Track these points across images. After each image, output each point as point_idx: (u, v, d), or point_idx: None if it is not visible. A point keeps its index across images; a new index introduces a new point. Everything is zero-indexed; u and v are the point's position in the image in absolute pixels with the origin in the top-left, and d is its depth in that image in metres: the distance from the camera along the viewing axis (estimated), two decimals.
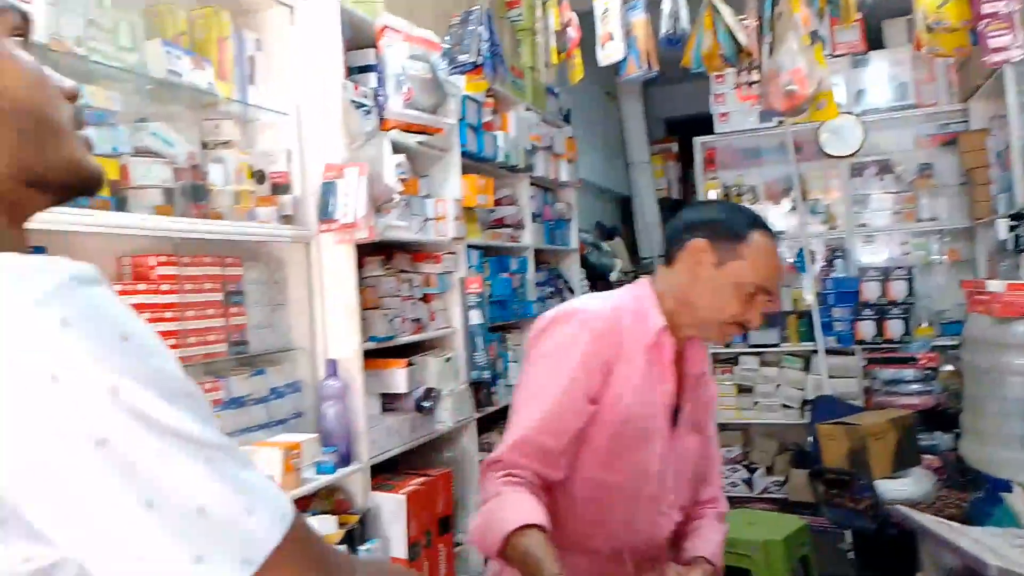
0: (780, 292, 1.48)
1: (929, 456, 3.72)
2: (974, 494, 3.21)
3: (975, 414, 2.33)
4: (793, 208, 4.94)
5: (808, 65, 2.28)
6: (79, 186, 0.65)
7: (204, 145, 2.21)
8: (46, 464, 0.48)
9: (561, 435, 1.35)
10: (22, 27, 0.63)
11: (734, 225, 1.41)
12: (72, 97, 0.66)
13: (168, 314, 1.85)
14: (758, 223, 1.42)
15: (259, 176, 2.29)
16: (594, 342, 1.37)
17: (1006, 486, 1.92)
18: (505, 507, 1.24)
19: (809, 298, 4.61)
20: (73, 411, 0.48)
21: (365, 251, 2.59)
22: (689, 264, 1.42)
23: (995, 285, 2.23)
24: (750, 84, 3.67)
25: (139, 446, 0.49)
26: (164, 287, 1.86)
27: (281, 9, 2.33)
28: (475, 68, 2.38)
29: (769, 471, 4.86)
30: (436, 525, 2.53)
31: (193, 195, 1.97)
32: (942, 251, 4.76)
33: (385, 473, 2.53)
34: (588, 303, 1.47)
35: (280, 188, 2.30)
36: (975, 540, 0.80)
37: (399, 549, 2.33)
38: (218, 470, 0.53)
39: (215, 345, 1.99)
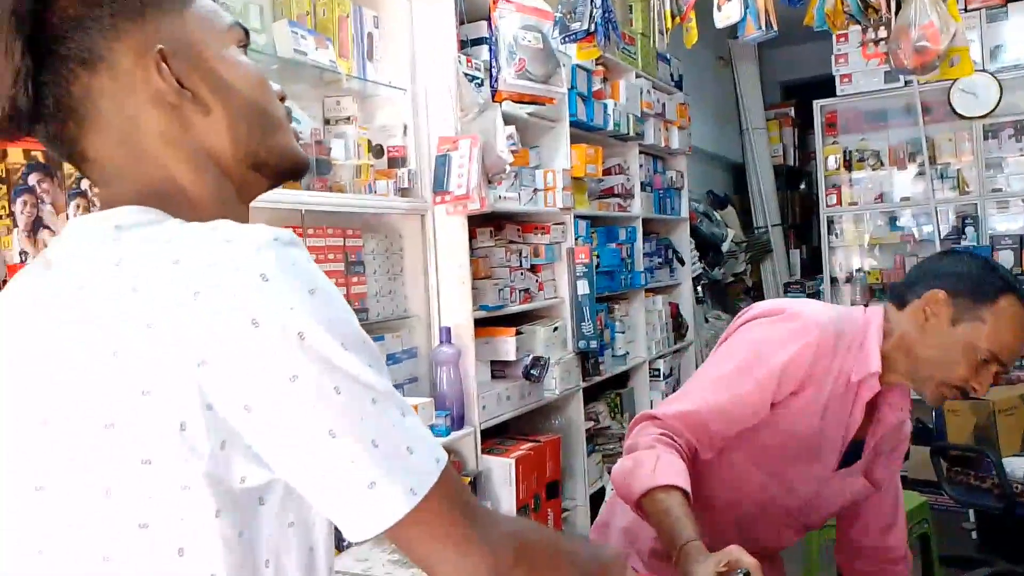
0: (1015, 362, 1.38)
1: None
2: None
3: None
4: (920, 173, 4.68)
5: (940, 19, 2.15)
6: (291, 171, 0.76)
7: (326, 121, 2.31)
8: (253, 394, 0.57)
9: (731, 425, 1.33)
10: (245, 39, 0.75)
11: (983, 284, 1.31)
12: (282, 98, 0.77)
13: None
14: (1013, 288, 1.31)
15: (377, 150, 2.37)
16: (804, 352, 1.32)
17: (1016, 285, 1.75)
18: (657, 462, 1.24)
19: None
20: (271, 351, 0.57)
21: (476, 222, 2.65)
22: (922, 314, 1.33)
23: None
24: (876, 42, 3.48)
25: (322, 383, 0.58)
26: None
27: None
28: (587, 36, 2.37)
29: None
30: (544, 490, 2.59)
31: (318, 169, 2.07)
32: None
33: (495, 438, 2.61)
34: (816, 309, 1.39)
35: (397, 162, 2.39)
36: None
37: (508, 512, 2.41)
38: (385, 411, 0.61)
39: None
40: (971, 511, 3.52)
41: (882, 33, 2.28)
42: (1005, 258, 4.31)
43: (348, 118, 2.32)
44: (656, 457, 1.24)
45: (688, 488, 1.22)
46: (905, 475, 4.43)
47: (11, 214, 1.37)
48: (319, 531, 0.66)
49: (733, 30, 2.26)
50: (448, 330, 2.36)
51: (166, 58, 0.67)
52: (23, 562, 0.62)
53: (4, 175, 1.37)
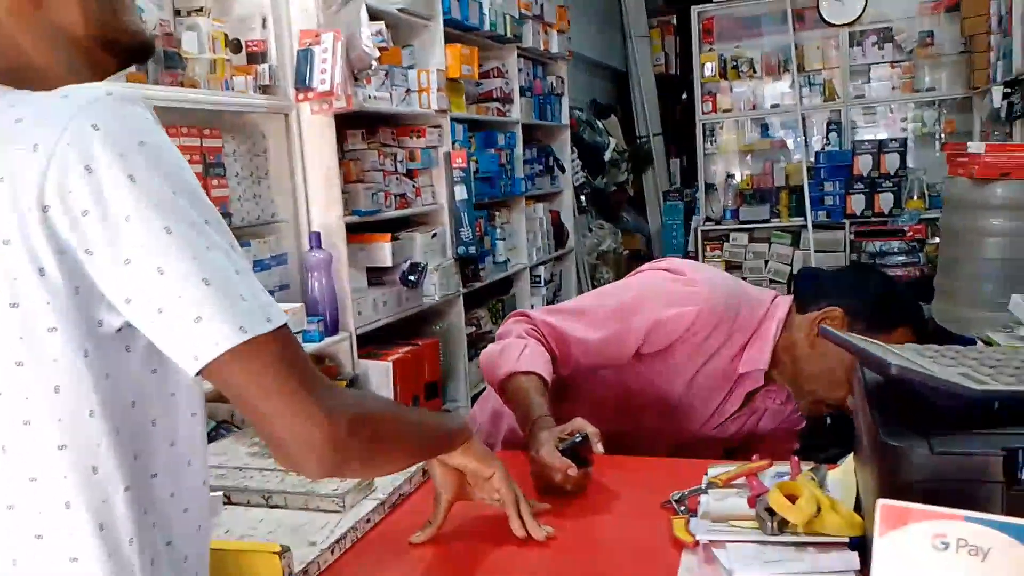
0: None
1: None
2: None
3: (949, 276, 2.37)
4: (791, 83, 4.84)
5: None
6: (139, 51, 0.76)
7: (177, 12, 2.16)
8: (91, 237, 0.60)
9: (590, 357, 1.34)
10: None
11: (883, 310, 1.29)
12: None
13: None
14: (911, 320, 1.29)
15: (235, 45, 2.24)
16: (683, 318, 1.30)
17: (972, 343, 1.98)
18: (523, 350, 1.27)
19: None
20: (104, 194, 0.59)
21: (346, 123, 2.57)
22: (815, 327, 1.30)
23: (974, 146, 2.22)
24: None
25: (151, 223, 0.60)
26: None
27: None
28: None
29: None
30: (423, 391, 2.63)
31: (166, 62, 1.94)
32: (939, 123, 4.69)
33: (375, 343, 2.61)
34: (716, 283, 1.36)
35: (256, 57, 2.26)
36: (886, 350, 0.86)
37: None
38: (221, 259, 0.63)
39: None
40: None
41: None
42: (864, 163, 4.56)
43: (200, 8, 2.17)
44: (523, 346, 1.28)
45: (548, 377, 1.26)
46: None
47: None
48: (182, 378, 0.68)
49: None
50: (318, 235, 2.31)
51: None
52: None
53: None
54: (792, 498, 0.85)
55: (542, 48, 3.93)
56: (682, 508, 1.00)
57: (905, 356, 0.81)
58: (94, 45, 0.72)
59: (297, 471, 0.68)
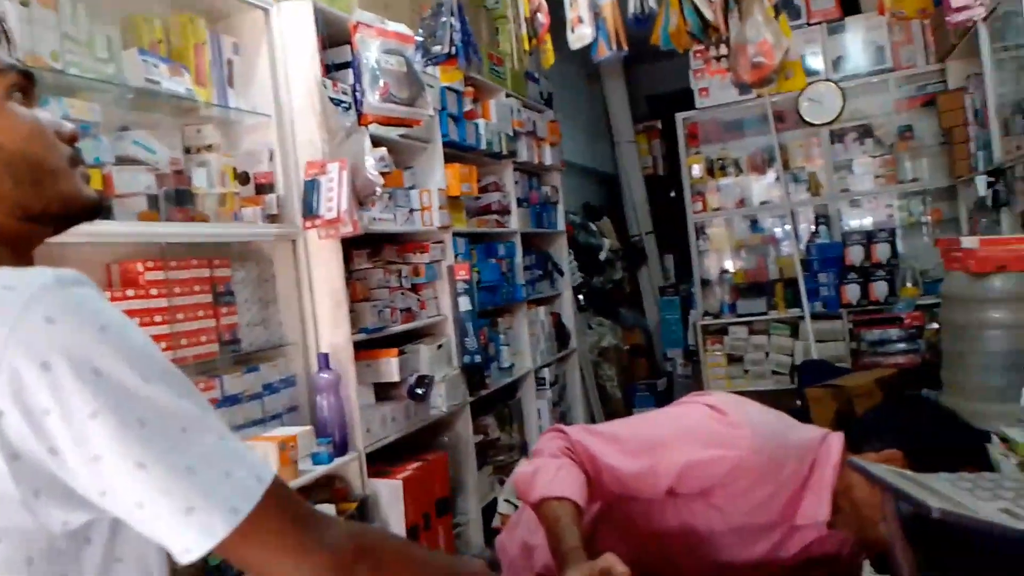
0: None
1: None
2: None
3: (954, 369, 2.39)
4: (777, 178, 4.99)
5: (774, 36, 2.32)
6: (77, 215, 0.74)
7: (187, 150, 2.26)
8: (56, 437, 0.57)
9: (619, 486, 1.30)
10: (22, 84, 0.71)
11: (945, 455, 1.17)
12: (72, 139, 0.74)
13: (158, 318, 1.90)
14: (973, 459, 1.20)
15: (243, 177, 2.34)
16: (720, 463, 1.24)
17: (987, 437, 1.98)
18: (557, 472, 1.24)
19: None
20: (66, 391, 0.57)
21: (352, 245, 2.64)
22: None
23: (968, 241, 2.28)
24: (719, 59, 3.69)
25: (124, 417, 0.58)
26: (153, 291, 1.91)
27: (256, 12, 2.37)
28: (449, 59, 2.42)
29: None
30: (434, 508, 2.60)
31: (177, 200, 2.01)
32: (925, 212, 4.81)
33: (384, 460, 2.60)
34: (762, 428, 1.27)
35: (264, 188, 2.35)
36: (921, 485, 0.86)
37: (399, 532, 2.40)
38: (198, 438, 0.61)
39: (207, 345, 2.05)
40: None
41: (723, 51, 2.44)
42: (855, 253, 4.66)
43: (210, 146, 2.27)
44: (558, 467, 1.25)
45: (582, 502, 1.23)
46: None
47: None
48: (152, 563, 0.67)
49: None
50: (326, 356, 2.34)
51: None
52: None
53: None
54: None
55: (536, 161, 4.07)
56: None
57: (941, 492, 0.81)
58: (14, 221, 0.69)
59: None
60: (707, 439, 1.25)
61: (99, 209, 0.76)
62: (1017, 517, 0.74)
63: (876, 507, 1.19)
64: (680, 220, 5.31)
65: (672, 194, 6.12)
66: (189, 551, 0.61)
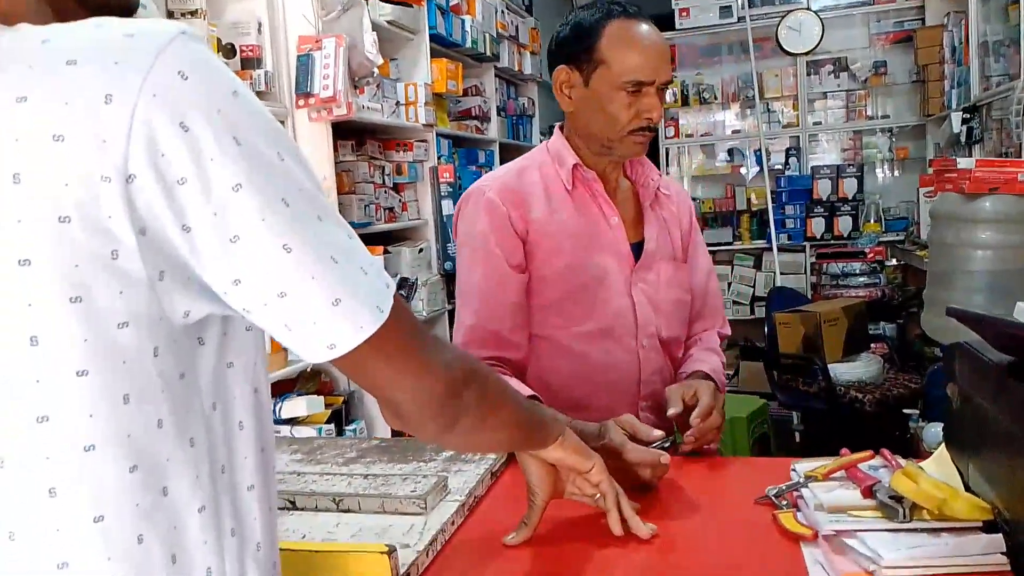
0: (667, 72, 1.27)
1: (875, 344, 3.90)
2: (916, 376, 3.42)
3: (940, 288, 2.43)
4: (751, 107, 4.96)
5: None
6: (116, 9, 0.62)
7: (169, 14, 2.08)
8: (191, 210, 0.50)
9: (503, 316, 1.28)
10: None
11: (582, 32, 1.27)
12: None
13: None
14: (611, 13, 1.28)
15: (228, 49, 2.17)
16: (492, 212, 1.29)
17: None
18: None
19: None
20: (207, 158, 0.49)
21: (336, 134, 2.50)
22: (563, 96, 1.31)
23: (965, 162, 2.29)
24: None
25: (268, 193, 0.51)
26: None
27: None
28: None
29: None
30: None
31: None
32: (892, 149, 4.87)
33: None
34: (492, 174, 1.40)
35: (251, 63, 2.20)
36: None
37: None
38: (334, 229, 0.55)
39: None
40: (795, 414, 3.85)
41: None
42: (823, 187, 4.69)
43: (195, 11, 2.09)
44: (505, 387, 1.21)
45: (531, 391, 1.19)
46: (737, 389, 4.79)
47: None
48: (260, 372, 0.61)
49: None
50: None
51: None
52: None
53: None
54: None
55: (516, 68, 3.94)
56: (784, 503, 0.97)
57: None
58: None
59: (411, 428, 0.65)
60: (473, 219, 1.31)
61: (134, 10, 0.67)
62: None
63: (589, 113, 1.29)
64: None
65: None
66: (334, 347, 0.54)
